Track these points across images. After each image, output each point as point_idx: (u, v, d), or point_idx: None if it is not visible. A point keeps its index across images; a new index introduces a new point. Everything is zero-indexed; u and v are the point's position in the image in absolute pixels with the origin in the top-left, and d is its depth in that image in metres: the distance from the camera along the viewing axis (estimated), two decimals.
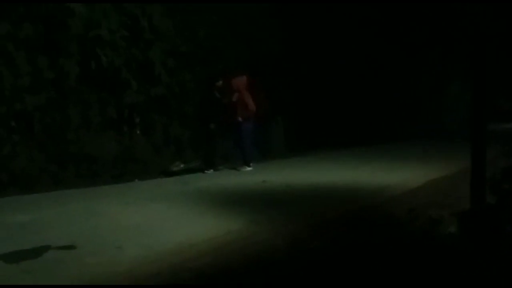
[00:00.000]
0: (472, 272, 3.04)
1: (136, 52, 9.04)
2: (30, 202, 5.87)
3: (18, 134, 7.64)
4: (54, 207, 5.47)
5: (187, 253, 3.64)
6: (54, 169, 7.74)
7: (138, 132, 9.42)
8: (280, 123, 12.21)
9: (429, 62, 18.88)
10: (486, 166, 3.67)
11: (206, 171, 8.45)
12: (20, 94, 7.49)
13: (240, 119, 8.36)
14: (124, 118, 9.18)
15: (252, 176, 7.69)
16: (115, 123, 8.98)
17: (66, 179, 7.69)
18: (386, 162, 9.25)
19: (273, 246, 3.80)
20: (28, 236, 4.11)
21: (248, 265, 3.38)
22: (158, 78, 9.38)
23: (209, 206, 5.37)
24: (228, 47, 11.06)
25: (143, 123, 9.53)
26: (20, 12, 7.59)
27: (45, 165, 7.68)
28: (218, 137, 8.62)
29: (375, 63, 15.61)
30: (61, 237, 4.05)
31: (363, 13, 14.36)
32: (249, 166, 8.55)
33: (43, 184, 7.32)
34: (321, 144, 12.61)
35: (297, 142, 12.49)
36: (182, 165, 9.05)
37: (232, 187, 6.74)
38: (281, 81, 12.42)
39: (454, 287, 2.83)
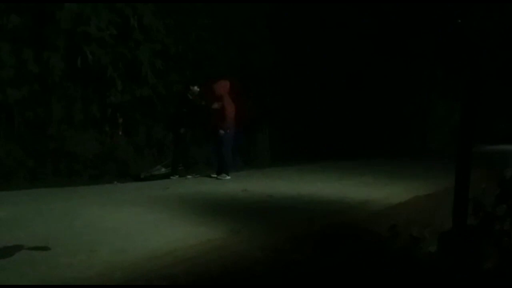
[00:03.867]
0: None
1: (124, 51, 8.92)
2: (6, 198, 5.70)
3: None
4: (31, 205, 5.32)
5: (162, 260, 3.52)
6: (32, 164, 7.57)
7: (120, 133, 9.25)
8: (266, 131, 12.15)
9: (417, 80, 19.09)
10: (470, 187, 3.65)
11: (171, 177, 8.24)
12: (1, 86, 7.31)
13: (221, 131, 8.06)
14: (107, 117, 9.04)
15: (233, 184, 7.58)
16: (97, 122, 8.83)
17: (43, 175, 7.50)
18: (370, 177, 9.23)
19: (253, 257, 3.72)
20: (0, 234, 3.98)
21: (225, 275, 3.29)
22: (144, 78, 9.25)
23: (188, 212, 5.26)
24: (220, 51, 10.99)
25: (126, 123, 9.38)
26: (8, 3, 7.44)
27: (23, 159, 7.50)
28: (188, 143, 8.47)
29: (365, 78, 15.74)
30: (35, 237, 3.93)
31: (356, 27, 14.47)
32: (227, 175, 8.26)
33: (19, 179, 7.13)
34: (306, 154, 12.60)
35: (282, 151, 12.46)
36: (163, 169, 8.81)
37: (212, 194, 6.62)
38: (270, 90, 12.40)
39: None
